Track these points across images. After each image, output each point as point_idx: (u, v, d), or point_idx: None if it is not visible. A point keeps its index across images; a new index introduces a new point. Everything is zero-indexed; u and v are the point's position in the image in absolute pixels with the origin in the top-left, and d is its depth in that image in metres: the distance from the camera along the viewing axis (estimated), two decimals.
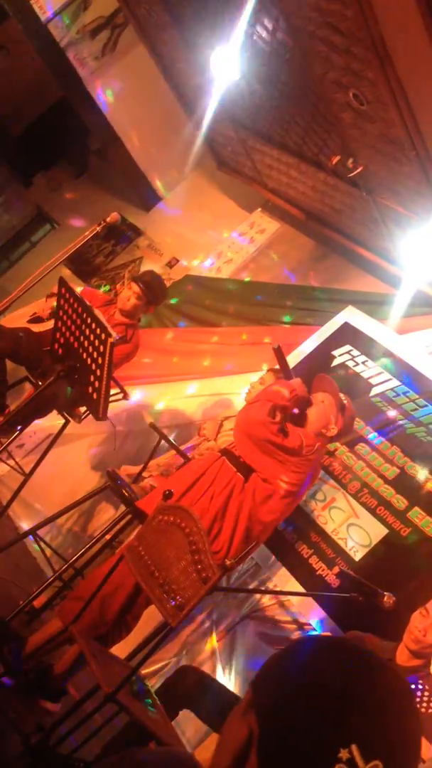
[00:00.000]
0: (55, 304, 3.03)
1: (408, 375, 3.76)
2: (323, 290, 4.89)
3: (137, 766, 0.93)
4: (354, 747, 0.74)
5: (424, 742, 2.31)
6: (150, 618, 2.77)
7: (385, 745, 0.76)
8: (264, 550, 3.48)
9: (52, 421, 3.66)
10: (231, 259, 5.75)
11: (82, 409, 3.26)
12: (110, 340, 2.60)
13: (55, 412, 3.47)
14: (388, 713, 0.79)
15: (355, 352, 3.97)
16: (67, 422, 3.31)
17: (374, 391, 3.77)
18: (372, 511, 3.37)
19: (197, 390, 4.56)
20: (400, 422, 3.60)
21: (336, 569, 3.27)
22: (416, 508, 3.27)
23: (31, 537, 3.35)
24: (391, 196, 3.66)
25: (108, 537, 3.26)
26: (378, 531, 3.30)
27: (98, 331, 2.64)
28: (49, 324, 3.37)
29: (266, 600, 3.45)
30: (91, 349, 2.70)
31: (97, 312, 2.74)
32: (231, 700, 2.63)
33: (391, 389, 3.74)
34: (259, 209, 5.87)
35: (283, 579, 3.41)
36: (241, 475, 2.72)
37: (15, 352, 3.64)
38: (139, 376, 4.55)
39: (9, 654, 2.68)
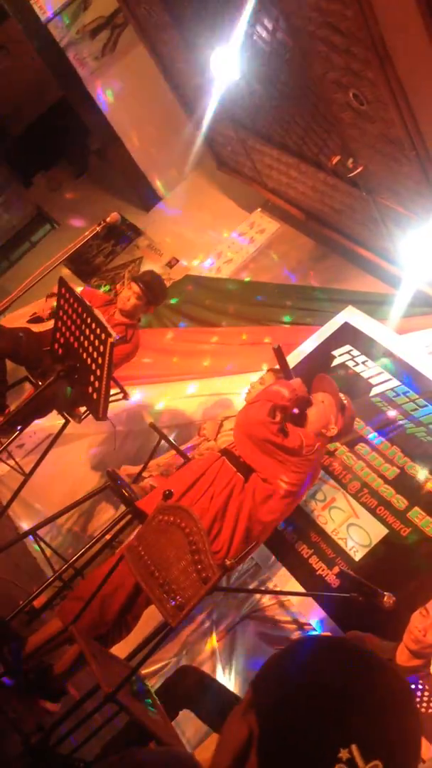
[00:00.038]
0: (55, 304, 3.03)
1: (408, 375, 3.76)
2: (323, 290, 4.89)
3: (137, 766, 0.93)
4: (354, 747, 0.74)
5: (424, 742, 2.31)
6: (150, 618, 2.77)
7: (385, 745, 0.76)
8: (264, 550, 3.48)
9: (52, 421, 3.66)
10: (231, 259, 5.75)
11: (82, 409, 3.26)
12: (110, 340, 2.60)
13: (55, 412, 3.47)
14: (388, 713, 0.79)
15: (355, 352, 3.97)
16: (67, 422, 3.31)
17: (374, 391, 3.77)
18: (372, 511, 3.37)
19: (197, 390, 4.56)
20: (400, 422, 3.60)
21: (336, 569, 3.27)
22: (416, 508, 3.27)
23: (31, 537, 3.35)
24: (391, 196, 3.66)
25: (108, 537, 3.26)
26: (378, 531, 3.30)
27: (98, 331, 2.64)
28: (49, 324, 3.37)
29: (266, 600, 3.45)
30: (91, 349, 2.70)
31: (97, 312, 2.74)
32: (231, 700, 2.63)
33: (391, 389, 3.74)
34: (259, 209, 5.87)
35: (283, 579, 3.41)
36: (241, 475, 2.72)
37: (15, 352, 3.64)
38: (139, 376, 4.55)
39: (9, 654, 2.68)
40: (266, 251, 5.66)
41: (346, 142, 3.59)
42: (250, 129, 4.73)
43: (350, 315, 4.16)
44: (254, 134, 4.74)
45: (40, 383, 3.24)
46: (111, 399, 2.81)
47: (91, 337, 2.68)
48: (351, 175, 3.70)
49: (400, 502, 3.33)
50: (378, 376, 3.81)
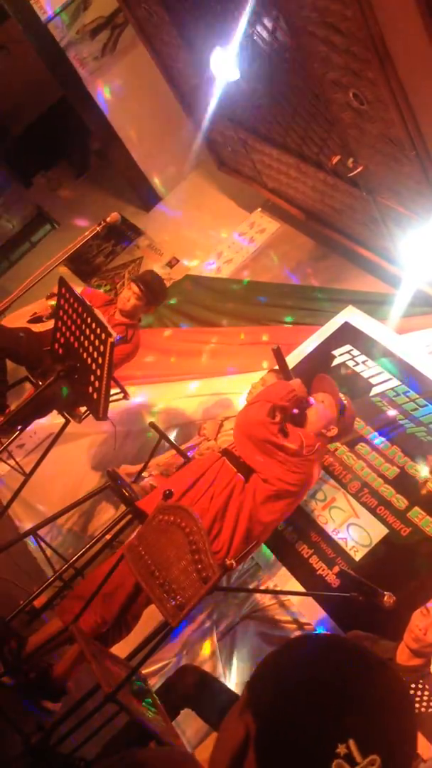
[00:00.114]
0: (55, 304, 3.03)
1: (408, 375, 3.76)
2: (323, 290, 4.89)
3: (137, 765, 0.93)
4: (351, 742, 0.74)
5: (424, 742, 2.31)
6: (150, 618, 2.77)
7: (383, 740, 0.77)
8: (264, 550, 3.48)
9: (52, 421, 3.67)
10: (231, 259, 5.75)
11: (82, 409, 3.26)
12: (110, 340, 2.60)
13: (55, 412, 3.47)
14: (385, 710, 0.79)
15: (356, 352, 3.97)
16: (67, 422, 3.32)
17: (374, 390, 3.77)
18: (372, 511, 3.37)
19: (197, 390, 4.56)
20: (401, 422, 3.60)
21: (336, 569, 3.27)
22: (416, 508, 3.28)
23: (31, 537, 3.35)
24: (392, 196, 3.65)
25: (108, 537, 3.27)
26: (378, 531, 3.30)
27: (98, 331, 2.64)
28: (49, 324, 3.38)
29: (266, 600, 3.46)
30: (91, 349, 2.70)
31: (98, 312, 2.75)
32: (232, 699, 2.63)
33: (392, 389, 3.74)
34: (259, 209, 5.87)
35: (283, 579, 3.41)
36: (242, 476, 2.72)
37: (15, 352, 3.65)
38: (139, 376, 4.55)
39: (9, 654, 2.68)
40: (266, 251, 5.65)
41: (346, 141, 3.59)
42: (250, 129, 4.73)
43: (350, 315, 4.16)
44: (254, 134, 4.74)
45: (40, 383, 3.24)
46: (111, 399, 2.81)
47: (92, 337, 2.68)
48: (351, 174, 3.69)
49: (400, 501, 3.33)
50: (378, 376, 3.81)
